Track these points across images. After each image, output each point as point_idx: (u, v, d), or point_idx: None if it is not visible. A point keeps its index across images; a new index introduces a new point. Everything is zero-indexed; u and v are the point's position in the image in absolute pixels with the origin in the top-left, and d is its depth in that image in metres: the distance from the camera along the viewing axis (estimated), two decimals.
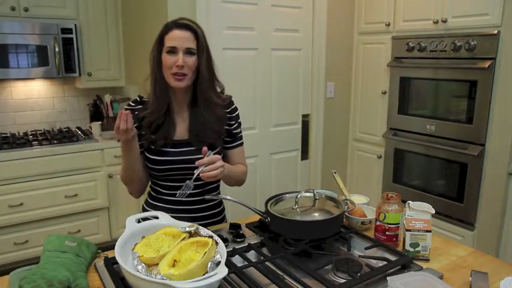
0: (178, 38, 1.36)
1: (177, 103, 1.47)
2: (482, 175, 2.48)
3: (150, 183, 1.56)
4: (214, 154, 1.34)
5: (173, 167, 1.44)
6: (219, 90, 1.50)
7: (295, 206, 1.35)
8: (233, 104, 1.55)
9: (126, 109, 1.48)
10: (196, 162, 1.27)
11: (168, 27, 1.39)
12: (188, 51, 1.37)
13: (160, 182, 1.50)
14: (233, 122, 1.53)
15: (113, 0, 3.14)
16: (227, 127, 1.51)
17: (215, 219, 1.56)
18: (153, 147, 1.44)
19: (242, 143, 1.58)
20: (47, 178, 2.83)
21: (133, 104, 1.49)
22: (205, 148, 1.31)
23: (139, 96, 1.52)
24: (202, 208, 1.51)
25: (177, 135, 1.46)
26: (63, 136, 3.03)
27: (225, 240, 1.28)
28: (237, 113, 1.55)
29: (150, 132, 1.43)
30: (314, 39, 3.04)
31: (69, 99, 3.39)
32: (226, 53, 2.65)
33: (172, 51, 1.36)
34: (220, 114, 1.47)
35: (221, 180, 1.59)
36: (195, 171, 1.28)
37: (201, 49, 1.39)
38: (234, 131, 1.54)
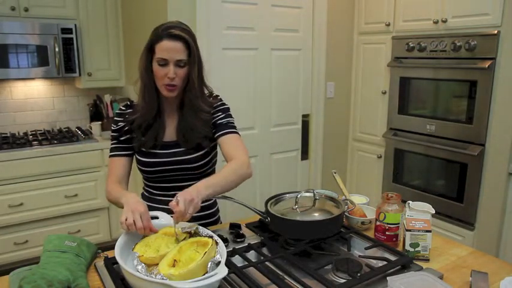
0: (169, 49, 1.33)
1: (167, 106, 1.48)
2: (482, 175, 2.48)
3: (143, 184, 1.57)
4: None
5: (164, 168, 1.45)
6: (207, 93, 1.49)
7: (295, 206, 1.35)
8: (220, 100, 1.52)
9: (117, 113, 1.50)
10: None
11: (159, 37, 1.34)
12: (179, 64, 1.35)
13: (152, 184, 1.51)
14: (218, 114, 1.48)
15: (113, 0, 3.14)
16: (211, 121, 1.48)
17: (209, 220, 1.55)
18: (143, 149, 1.45)
19: (232, 132, 1.47)
20: (47, 178, 2.83)
21: (123, 108, 1.50)
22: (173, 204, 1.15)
23: (129, 101, 1.53)
24: None
25: (166, 136, 1.47)
26: (63, 136, 3.03)
27: (225, 240, 1.28)
28: (223, 107, 1.50)
29: (140, 134, 1.44)
30: (314, 39, 3.04)
31: (69, 99, 3.39)
32: (226, 53, 2.64)
33: (163, 63, 1.34)
34: (206, 118, 1.45)
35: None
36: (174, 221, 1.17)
37: (193, 59, 1.36)
38: (218, 121, 1.47)
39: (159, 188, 1.50)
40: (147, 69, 1.39)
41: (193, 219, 1.47)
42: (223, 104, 1.52)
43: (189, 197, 1.15)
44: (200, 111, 1.44)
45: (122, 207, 1.26)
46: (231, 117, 1.51)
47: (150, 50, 1.37)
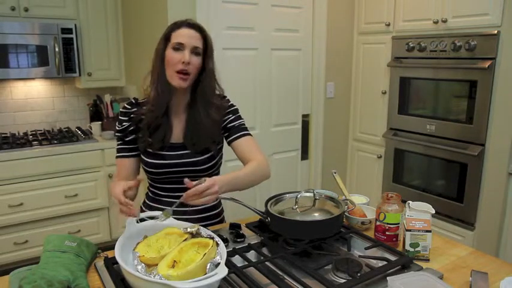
0: (187, 35, 1.34)
1: (175, 104, 1.45)
2: (482, 175, 2.48)
3: (147, 184, 1.56)
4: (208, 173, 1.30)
5: (170, 170, 1.43)
6: (218, 93, 1.49)
7: (295, 206, 1.35)
8: (229, 101, 1.52)
9: (121, 112, 1.48)
10: (182, 198, 1.17)
11: (178, 25, 1.37)
12: (195, 51, 1.36)
13: (157, 184, 1.50)
14: (229, 116, 1.48)
15: (113, 0, 3.14)
16: (222, 124, 1.48)
17: (214, 221, 1.55)
18: (150, 150, 1.43)
19: (246, 134, 1.48)
20: (47, 178, 2.83)
21: (129, 107, 1.47)
22: (188, 183, 1.16)
23: (134, 99, 1.50)
24: (200, 209, 1.50)
25: (173, 137, 1.45)
26: (63, 136, 3.03)
27: (225, 241, 1.28)
28: (232, 108, 1.51)
29: (147, 134, 1.42)
30: (314, 39, 3.04)
31: (69, 99, 3.39)
32: (226, 53, 2.65)
33: (179, 48, 1.34)
34: (216, 118, 1.44)
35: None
36: (180, 200, 1.18)
37: (210, 51, 1.39)
38: (230, 124, 1.48)
39: (164, 189, 1.49)
40: (162, 58, 1.38)
41: (199, 220, 1.48)
42: (232, 106, 1.52)
43: (213, 189, 1.17)
44: (211, 105, 1.43)
45: None
46: (241, 118, 1.51)
47: (167, 38, 1.37)
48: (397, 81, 2.91)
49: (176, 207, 1.20)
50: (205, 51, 1.39)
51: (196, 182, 1.16)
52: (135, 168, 1.49)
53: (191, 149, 1.43)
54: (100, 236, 3.09)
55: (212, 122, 1.43)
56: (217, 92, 1.48)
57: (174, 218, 1.25)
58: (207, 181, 1.17)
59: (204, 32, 1.39)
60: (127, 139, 1.47)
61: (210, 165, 1.46)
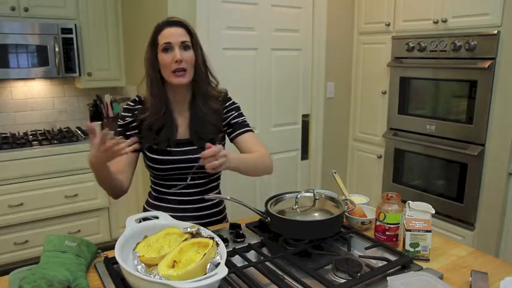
0: (172, 34, 1.36)
1: (176, 102, 1.47)
2: (482, 175, 2.48)
3: (150, 183, 1.56)
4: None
5: (177, 166, 1.44)
6: (213, 84, 1.52)
7: (295, 206, 1.35)
8: (230, 99, 1.55)
9: (125, 108, 1.50)
10: (200, 154, 1.23)
11: (160, 27, 1.39)
12: (184, 46, 1.37)
13: (162, 182, 1.50)
14: (232, 113, 1.52)
15: (113, 0, 3.14)
16: (224, 121, 1.51)
17: (216, 218, 1.56)
18: (155, 147, 1.44)
19: (249, 130, 1.52)
20: (47, 178, 2.84)
21: (132, 104, 1.49)
22: (208, 144, 1.25)
23: (137, 96, 1.51)
24: (203, 207, 1.51)
25: (179, 134, 1.46)
26: (63, 136, 3.03)
27: (225, 241, 1.28)
28: (235, 105, 1.54)
29: (152, 134, 1.43)
30: (314, 39, 3.04)
31: (69, 99, 3.39)
32: (226, 53, 2.65)
33: (168, 48, 1.36)
34: (216, 107, 1.47)
35: (220, 179, 1.59)
36: (197, 162, 1.25)
37: (196, 43, 1.41)
38: (233, 120, 1.51)
39: (169, 187, 1.49)
40: (153, 63, 1.40)
41: (202, 217, 1.48)
42: (234, 103, 1.55)
43: (224, 152, 1.22)
44: (210, 97, 1.45)
45: (105, 175, 1.39)
46: (243, 115, 1.55)
47: (154, 43, 1.39)
48: (397, 81, 2.91)
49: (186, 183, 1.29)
50: (193, 42, 1.41)
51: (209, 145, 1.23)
52: (128, 163, 1.47)
53: (197, 144, 1.45)
54: (100, 236, 3.10)
55: (213, 111, 1.46)
56: (213, 85, 1.51)
57: (174, 216, 1.25)
58: (217, 146, 1.23)
59: (187, 25, 1.41)
60: (128, 133, 1.46)
61: None
